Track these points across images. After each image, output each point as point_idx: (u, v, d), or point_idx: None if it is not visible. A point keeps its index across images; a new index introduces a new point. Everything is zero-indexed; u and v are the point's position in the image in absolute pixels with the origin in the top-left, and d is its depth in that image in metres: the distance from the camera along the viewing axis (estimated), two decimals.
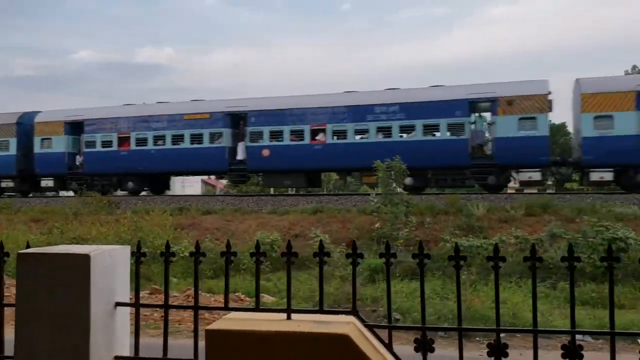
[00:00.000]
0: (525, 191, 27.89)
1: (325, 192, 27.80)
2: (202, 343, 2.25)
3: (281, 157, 22.92)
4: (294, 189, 26.48)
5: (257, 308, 2.36)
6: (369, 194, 19.23)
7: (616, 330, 2.12)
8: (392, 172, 17.99)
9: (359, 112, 22.33)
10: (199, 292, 11.78)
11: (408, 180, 20.73)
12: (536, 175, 20.71)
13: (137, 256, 2.47)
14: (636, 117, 19.25)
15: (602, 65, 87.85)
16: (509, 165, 20.78)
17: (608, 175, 20.11)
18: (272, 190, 27.37)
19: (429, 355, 2.26)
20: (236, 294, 13.16)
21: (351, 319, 2.23)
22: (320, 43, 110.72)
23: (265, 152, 23.23)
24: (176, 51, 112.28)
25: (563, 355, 2.09)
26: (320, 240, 2.49)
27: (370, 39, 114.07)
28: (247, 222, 18.83)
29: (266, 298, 12.87)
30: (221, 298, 12.81)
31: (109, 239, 15.76)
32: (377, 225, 16.70)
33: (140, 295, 10.00)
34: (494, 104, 20.92)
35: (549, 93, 20.39)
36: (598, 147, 19.37)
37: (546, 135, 20.29)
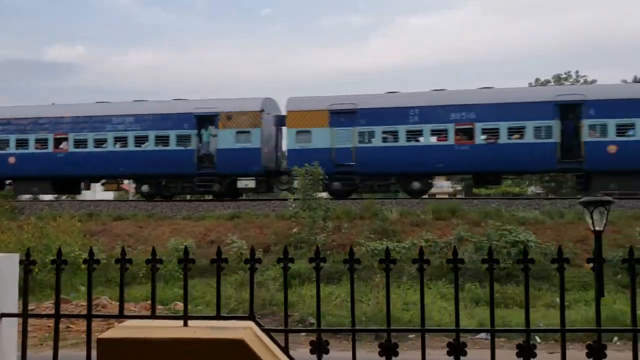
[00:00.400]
0: (437, 196, 29.10)
1: (244, 198, 27.63)
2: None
3: (27, 164, 23.69)
4: (210, 195, 26.20)
5: (153, 315, 2.33)
6: (287, 199, 19.32)
7: (497, 328, 2.27)
8: (311, 178, 18.14)
9: (98, 123, 23.54)
10: (108, 300, 11.26)
11: (144, 188, 23.44)
12: (252, 183, 23.03)
13: (26, 265, 2.37)
14: (329, 133, 21.76)
15: (510, 77, 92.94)
16: (229, 174, 22.82)
17: None
18: (188, 196, 26.88)
19: (325, 356, 2.31)
20: (148, 302, 12.77)
21: (249, 324, 2.24)
22: (241, 46, 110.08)
23: (12, 160, 23.98)
24: (89, 50, 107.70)
25: (448, 352, 2.22)
26: (218, 247, 2.49)
27: (292, 44, 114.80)
28: (161, 228, 18.36)
29: (179, 306, 12.60)
30: (132, 306, 12.38)
31: (10, 246, 14.84)
32: (295, 230, 16.80)
33: (45, 306, 9.42)
34: (216, 118, 22.77)
35: (262, 110, 22.72)
36: (299, 158, 21.24)
37: (258, 148, 22.34)
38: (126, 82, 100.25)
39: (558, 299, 12.31)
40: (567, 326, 2.39)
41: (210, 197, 27.65)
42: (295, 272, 13.42)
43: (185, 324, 2.25)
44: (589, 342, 2.22)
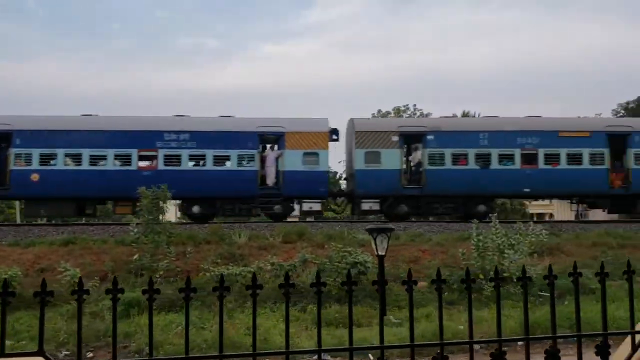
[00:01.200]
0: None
1: (82, 222, 25.86)
2: None
3: None
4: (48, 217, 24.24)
5: None
6: (128, 224, 18.40)
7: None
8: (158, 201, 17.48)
9: None
10: None
11: None
12: None
13: None
14: None
15: (352, 106, 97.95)
16: None
17: None
18: (18, 219, 24.56)
19: None
20: None
21: None
22: (88, 61, 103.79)
23: None
24: None
25: None
26: (5, 279, 2.31)
27: (144, 60, 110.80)
28: None
29: None
30: None
31: None
32: (135, 257, 16.02)
33: None
34: None
35: None
36: None
37: None
38: None
39: (392, 317, 13.09)
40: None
41: (44, 220, 25.63)
42: (134, 301, 12.82)
43: None
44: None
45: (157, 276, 14.98)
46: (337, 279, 13.38)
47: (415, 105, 42.48)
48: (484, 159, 22.62)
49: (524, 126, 23.21)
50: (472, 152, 22.57)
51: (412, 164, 23.80)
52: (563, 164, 22.72)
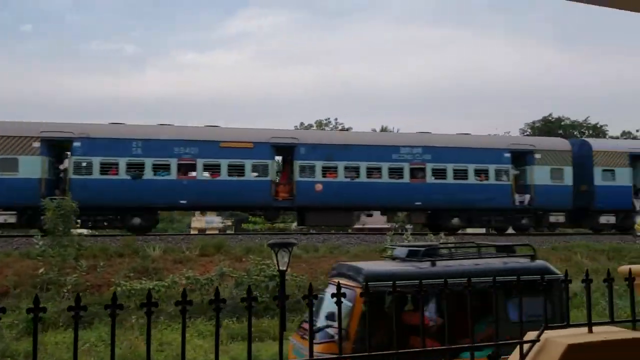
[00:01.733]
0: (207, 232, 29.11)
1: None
2: None
3: None
4: None
5: None
6: (33, 236, 17.40)
7: None
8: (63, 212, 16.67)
9: None
10: None
11: None
12: None
13: None
14: None
15: (279, 117, 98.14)
16: None
17: None
18: None
19: None
20: None
21: None
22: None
23: None
24: None
25: None
26: None
27: (54, 65, 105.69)
28: None
29: None
30: None
31: None
32: (41, 271, 15.16)
33: None
34: None
35: None
36: None
37: None
38: None
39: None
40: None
41: None
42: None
43: None
44: None
45: (65, 291, 14.26)
46: (256, 293, 13.24)
47: (337, 118, 43.23)
48: (137, 169, 21.80)
49: (182, 135, 22.51)
50: (123, 161, 21.66)
51: (61, 172, 22.73)
52: (224, 175, 22.31)
